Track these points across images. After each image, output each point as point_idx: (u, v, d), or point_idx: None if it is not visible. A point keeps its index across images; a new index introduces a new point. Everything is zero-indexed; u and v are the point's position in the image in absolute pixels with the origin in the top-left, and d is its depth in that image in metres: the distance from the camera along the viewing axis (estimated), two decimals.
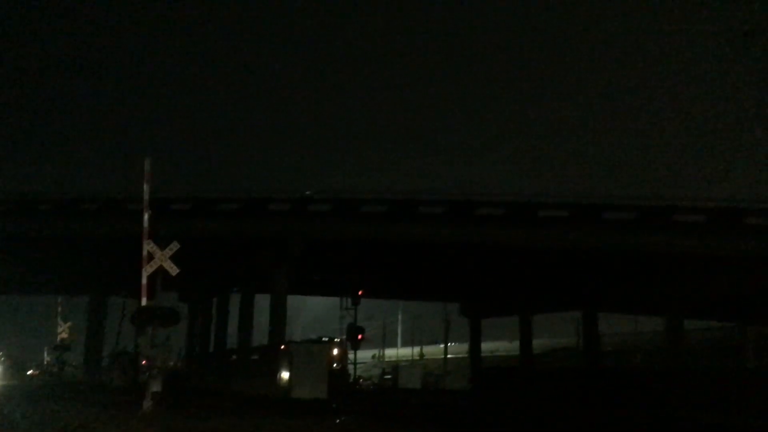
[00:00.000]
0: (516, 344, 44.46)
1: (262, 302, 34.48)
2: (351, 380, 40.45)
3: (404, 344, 73.99)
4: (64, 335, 50.35)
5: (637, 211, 28.74)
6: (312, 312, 66.65)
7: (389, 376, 53.02)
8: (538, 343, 49.96)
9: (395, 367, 56.77)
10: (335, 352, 37.42)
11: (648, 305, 38.47)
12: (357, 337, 37.68)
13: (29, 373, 61.36)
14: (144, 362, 16.31)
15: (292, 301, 53.83)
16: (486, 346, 49.80)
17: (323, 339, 39.59)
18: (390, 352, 72.41)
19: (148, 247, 16.52)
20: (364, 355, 56.69)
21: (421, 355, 66.22)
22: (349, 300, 39.27)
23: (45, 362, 64.35)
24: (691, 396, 22.52)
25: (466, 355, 48.14)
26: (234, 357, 38.02)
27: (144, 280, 16.45)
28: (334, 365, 36.44)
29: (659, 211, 28.37)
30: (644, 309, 42.58)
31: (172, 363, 43.68)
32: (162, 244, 16.71)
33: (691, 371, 29.22)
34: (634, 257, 29.53)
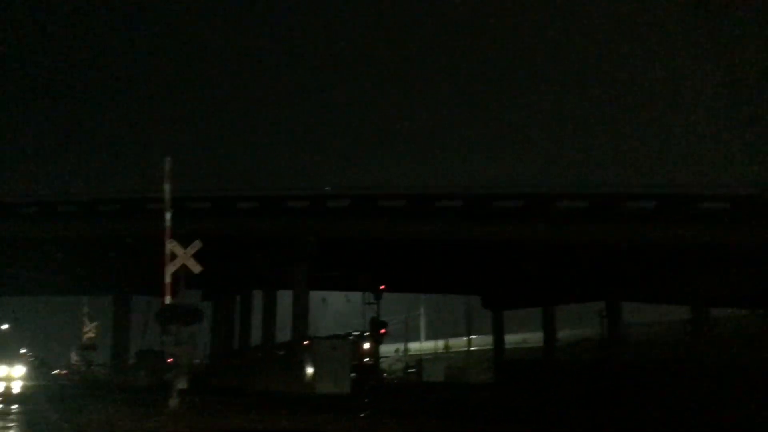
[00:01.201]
0: (540, 335, 44.23)
1: (287, 298, 34.54)
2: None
3: (427, 338, 73.94)
4: (91, 335, 51.13)
5: (660, 200, 28.49)
6: (335, 307, 66.79)
7: (413, 370, 53.02)
8: (563, 335, 49.63)
9: (419, 360, 56.74)
10: (366, 346, 37.15)
11: (673, 295, 38.08)
12: (380, 331, 37.70)
13: (54, 372, 62.31)
14: (169, 360, 16.44)
15: (317, 296, 54.05)
16: (511, 338, 49.59)
17: (354, 333, 39.31)
18: (413, 346, 72.42)
19: (170, 245, 16.63)
20: (387, 349, 56.70)
21: (447, 347, 66.06)
22: (371, 294, 39.28)
23: (72, 362, 65.22)
24: (718, 389, 22.25)
25: (490, 348, 47.98)
26: (258, 354, 38.25)
27: (167, 279, 16.57)
28: (365, 360, 36.20)
29: (681, 200, 28.09)
30: (669, 298, 42.17)
31: (197, 361, 44.09)
32: (184, 243, 16.83)
33: (719, 363, 28.86)
34: (657, 246, 29.26)
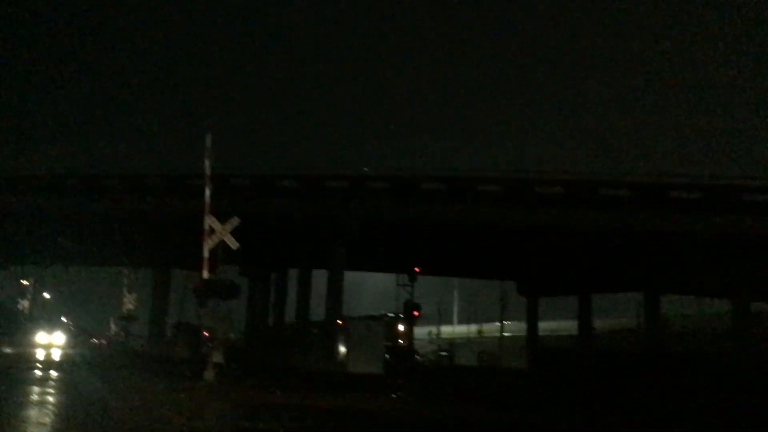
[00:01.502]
0: (574, 324, 43.81)
1: (322, 278, 34.72)
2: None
3: (459, 322, 73.83)
4: (130, 306, 52.13)
5: (705, 190, 27.89)
6: (372, 289, 66.98)
7: (445, 353, 53.04)
8: (598, 324, 49.07)
9: (451, 344, 56.76)
10: (401, 328, 37.13)
11: (714, 287, 37.36)
12: (413, 313, 37.73)
13: (93, 341, 63.76)
14: (205, 334, 16.66)
15: (353, 277, 54.28)
16: (544, 326, 49.18)
17: (389, 315, 39.33)
18: (445, 330, 72.38)
19: (209, 221, 16.81)
20: (420, 332, 56.80)
21: (480, 332, 65.85)
22: (406, 277, 39.25)
23: (111, 332, 66.67)
24: (757, 382, 21.86)
25: (523, 335, 47.70)
26: (292, 331, 38.61)
27: (206, 254, 16.76)
28: (400, 341, 36.18)
29: (725, 191, 27.47)
30: (709, 291, 41.38)
31: (232, 336, 44.69)
32: (223, 219, 17.00)
33: (759, 357, 28.32)
34: (699, 238, 28.68)
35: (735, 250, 28.97)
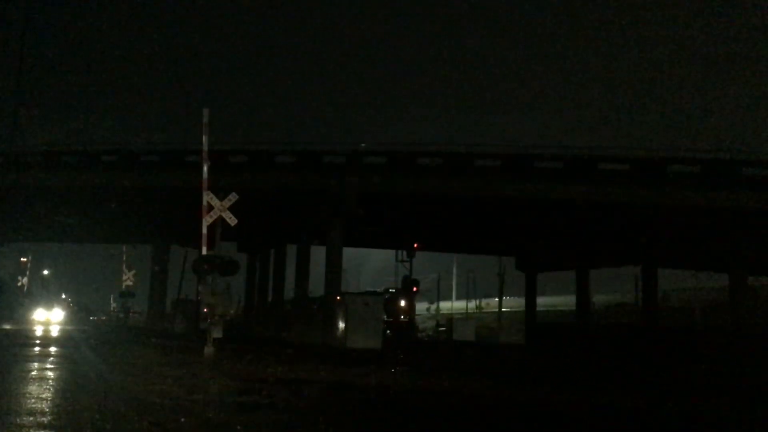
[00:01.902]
0: (574, 299, 44.04)
1: (322, 255, 34.75)
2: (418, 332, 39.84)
3: (459, 297, 74.23)
4: (129, 282, 52.31)
5: (703, 164, 27.89)
6: (373, 264, 67.22)
7: (443, 328, 53.29)
8: (599, 299, 49.35)
9: (449, 319, 57.00)
10: (402, 303, 37.11)
11: (711, 261, 37.50)
12: (412, 289, 37.89)
13: (93, 318, 64.05)
14: (205, 310, 16.70)
15: (354, 253, 54.25)
16: (543, 301, 49.42)
17: (390, 290, 39.43)
18: (444, 305, 72.74)
19: (207, 197, 16.78)
20: (419, 307, 57.04)
21: (480, 307, 66.19)
22: (405, 252, 39.35)
23: (111, 308, 66.93)
24: (750, 355, 22.02)
25: (522, 310, 47.97)
26: (291, 307, 38.76)
27: (204, 230, 16.76)
28: (401, 317, 36.21)
29: (724, 165, 27.45)
30: (706, 265, 41.53)
31: (232, 311, 44.85)
32: (221, 195, 16.97)
33: (754, 330, 28.50)
34: (697, 212, 28.72)
35: (733, 224, 29.04)
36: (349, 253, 49.63)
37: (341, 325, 26.49)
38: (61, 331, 31.00)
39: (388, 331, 33.81)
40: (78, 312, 66.06)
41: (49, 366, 12.65)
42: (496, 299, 54.89)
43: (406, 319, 36.23)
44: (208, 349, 15.91)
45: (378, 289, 41.49)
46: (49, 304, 45.68)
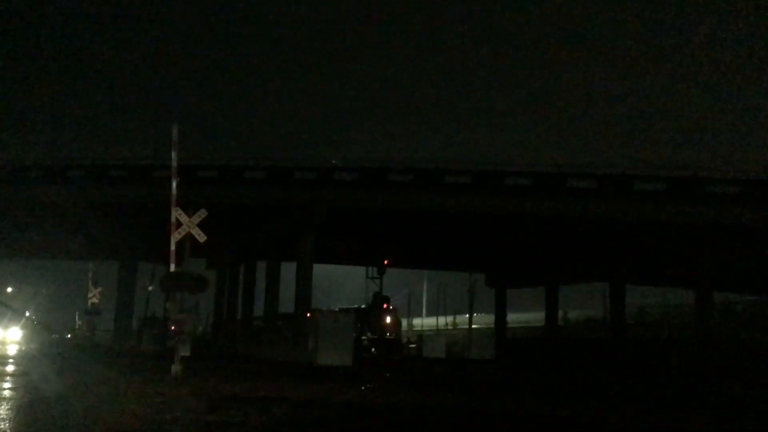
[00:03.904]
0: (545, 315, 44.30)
1: (293, 273, 34.41)
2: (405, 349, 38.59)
3: (429, 314, 74.19)
4: (95, 300, 51.30)
5: (669, 181, 28.37)
6: (349, 285, 66.93)
7: (413, 345, 53.18)
8: (571, 315, 49.74)
9: (419, 336, 56.92)
10: (388, 320, 36.38)
11: (677, 277, 38.06)
12: (382, 306, 37.75)
13: (55, 336, 62.74)
14: (173, 327, 16.45)
15: (330, 272, 53.85)
16: (516, 317, 49.63)
17: (362, 307, 38.97)
18: (415, 322, 72.58)
19: (176, 213, 16.60)
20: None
21: (455, 324, 66.13)
22: (375, 269, 39.23)
23: (76, 326, 65.62)
24: (717, 368, 22.35)
25: (491, 326, 48.12)
26: (261, 324, 38.41)
27: (172, 247, 16.56)
28: (387, 334, 35.37)
29: (689, 182, 27.96)
30: (673, 281, 42.14)
31: (200, 329, 44.27)
32: (190, 211, 16.80)
33: (718, 344, 28.95)
34: (663, 228, 29.19)
35: (697, 240, 29.55)
36: (325, 271, 49.42)
37: (311, 341, 26.32)
38: (20, 350, 30.28)
39: (373, 349, 33.26)
40: (42, 330, 64.63)
41: (4, 387, 12.31)
42: (467, 315, 55.03)
43: (392, 337, 35.42)
44: (176, 367, 15.66)
45: (350, 306, 41.25)
46: (6, 323, 44.44)
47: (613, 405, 13.32)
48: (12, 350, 29.76)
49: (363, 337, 32.50)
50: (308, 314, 28.72)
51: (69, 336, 64.77)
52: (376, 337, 33.39)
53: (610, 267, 37.19)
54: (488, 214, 29.88)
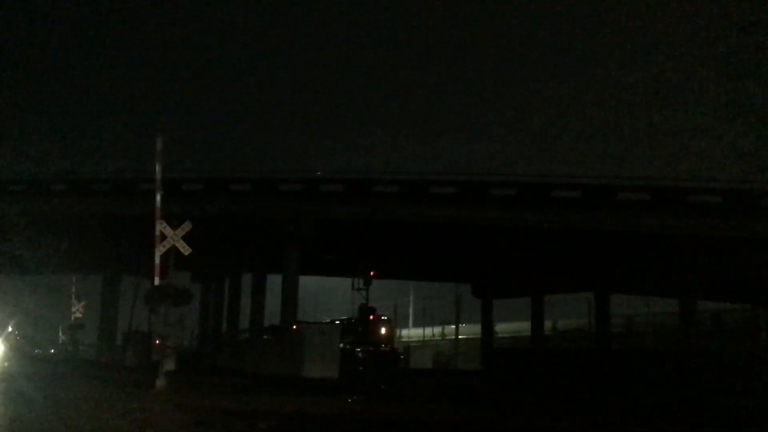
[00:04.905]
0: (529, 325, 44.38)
1: (279, 286, 34.11)
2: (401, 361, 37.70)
3: (416, 325, 74.10)
4: (78, 314, 50.77)
5: (651, 192, 28.59)
6: (339, 299, 66.62)
7: (402, 357, 53.01)
8: (551, 324, 49.82)
9: (406, 347, 56.80)
10: (383, 331, 35.85)
11: (661, 287, 38.29)
12: (368, 317, 37.54)
13: (38, 351, 61.98)
14: (157, 342, 16.36)
15: (314, 284, 53.62)
16: (504, 327, 49.67)
17: (350, 318, 38.56)
18: (402, 333, 72.45)
19: (160, 226, 16.54)
20: None
21: (443, 335, 66.01)
22: (361, 281, 39.06)
23: (60, 341, 64.90)
24: (700, 378, 22.49)
25: (479, 336, 48.14)
26: (246, 337, 38.17)
27: (157, 260, 16.49)
28: (382, 346, 34.89)
29: (672, 192, 28.20)
30: (657, 291, 42.38)
31: (185, 342, 43.90)
32: (174, 224, 16.74)
33: (703, 354, 29.14)
34: (647, 238, 29.38)
35: (680, 250, 29.77)
36: (313, 284, 49.24)
37: (297, 354, 26.19)
38: (2, 365, 29.82)
39: (369, 362, 32.63)
40: (25, 345, 63.83)
41: None
42: (454, 326, 55.08)
43: (388, 348, 34.90)
44: (161, 382, 15.58)
45: (340, 318, 40.96)
46: None
47: (594, 418, 13.37)
48: None
49: (357, 349, 32.16)
50: (294, 326, 28.60)
51: (52, 351, 64.06)
52: (371, 348, 32.90)
53: (595, 277, 37.38)
54: (473, 224, 29.96)
